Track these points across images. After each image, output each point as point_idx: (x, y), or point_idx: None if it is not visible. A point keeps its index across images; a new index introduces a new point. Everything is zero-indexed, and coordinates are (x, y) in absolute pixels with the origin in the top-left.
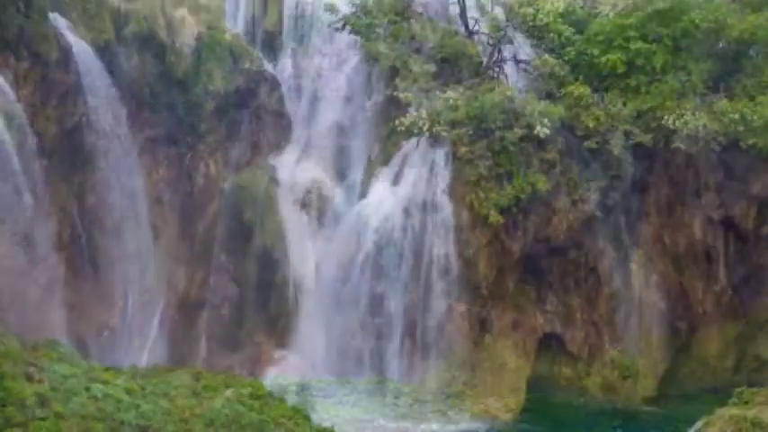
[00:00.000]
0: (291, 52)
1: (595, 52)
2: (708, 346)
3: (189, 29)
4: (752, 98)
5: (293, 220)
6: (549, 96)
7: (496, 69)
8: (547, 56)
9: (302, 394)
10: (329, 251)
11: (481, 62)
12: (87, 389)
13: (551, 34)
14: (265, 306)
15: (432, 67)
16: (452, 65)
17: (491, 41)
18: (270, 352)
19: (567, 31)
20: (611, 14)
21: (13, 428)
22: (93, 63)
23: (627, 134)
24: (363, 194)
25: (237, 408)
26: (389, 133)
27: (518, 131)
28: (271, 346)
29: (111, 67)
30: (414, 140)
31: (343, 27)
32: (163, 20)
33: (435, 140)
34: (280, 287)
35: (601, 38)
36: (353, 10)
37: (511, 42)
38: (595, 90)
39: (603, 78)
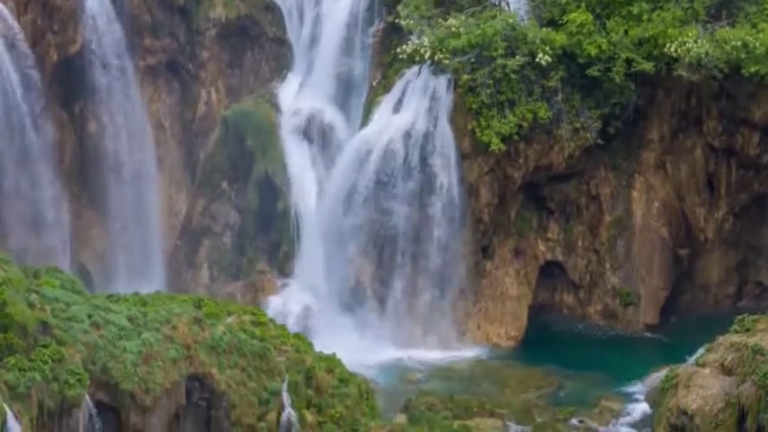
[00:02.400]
0: None
1: None
2: (709, 274)
3: None
4: (754, 25)
5: (295, 148)
6: (551, 24)
7: None
8: None
9: (304, 321)
10: (331, 179)
11: None
12: (89, 316)
13: None
14: (267, 234)
15: None
16: None
17: None
18: (272, 279)
19: None
20: None
21: (14, 355)
22: None
23: (629, 62)
24: (365, 122)
25: (239, 335)
26: (391, 61)
27: (520, 59)
28: (272, 274)
29: None
30: (415, 68)
31: None
32: None
33: (437, 68)
34: (281, 215)
35: None
36: None
37: None
38: (597, 17)
39: (605, 5)
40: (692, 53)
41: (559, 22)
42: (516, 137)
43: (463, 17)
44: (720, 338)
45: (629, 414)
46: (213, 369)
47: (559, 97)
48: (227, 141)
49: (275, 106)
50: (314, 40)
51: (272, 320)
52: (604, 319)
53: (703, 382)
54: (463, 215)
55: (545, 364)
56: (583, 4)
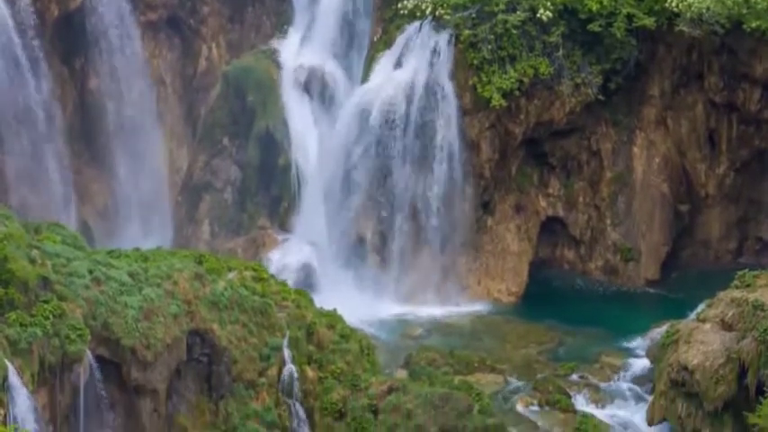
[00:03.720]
0: None
1: None
2: (710, 229)
3: None
4: None
5: (295, 104)
6: None
7: None
8: None
9: (305, 277)
10: (331, 134)
11: None
12: (90, 271)
13: None
14: (268, 189)
15: None
16: None
17: None
18: (273, 235)
19: None
20: None
21: (15, 310)
22: None
23: (630, 17)
24: (365, 78)
25: (240, 290)
26: (392, 17)
27: (521, 14)
28: (273, 230)
29: None
30: (416, 24)
31: None
32: None
33: (438, 24)
34: (282, 170)
35: None
36: None
37: None
38: None
39: None
40: (693, 8)
41: None
42: (517, 92)
43: None
44: (721, 294)
45: (629, 369)
46: (214, 324)
47: (560, 53)
48: (228, 97)
49: (276, 62)
50: None
51: (272, 276)
52: (605, 275)
53: (704, 337)
54: (464, 171)
55: (546, 319)
56: None
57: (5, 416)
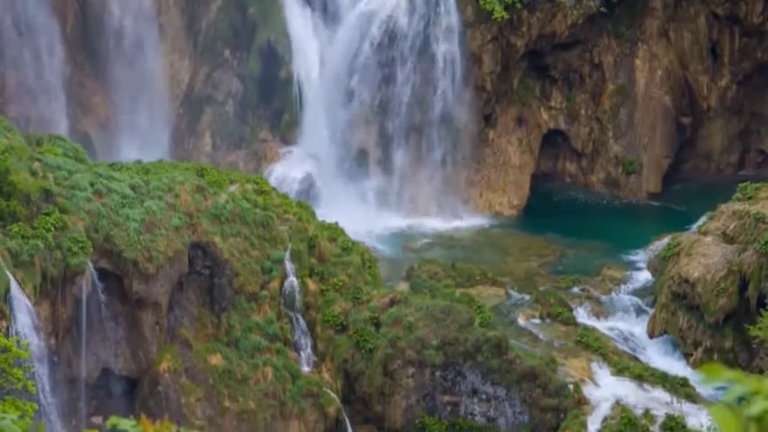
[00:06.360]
0: None
1: None
2: (712, 142)
3: None
4: None
5: (297, 16)
6: None
7: None
8: None
9: (307, 190)
10: (333, 47)
11: None
12: (92, 184)
13: None
14: (269, 102)
15: None
16: None
17: None
18: (274, 148)
19: None
20: None
21: (17, 222)
22: None
23: None
24: None
25: (242, 203)
26: None
27: None
28: (275, 143)
29: None
30: None
31: None
32: None
33: None
34: (284, 83)
35: None
36: None
37: None
38: None
39: None
40: None
41: None
42: (519, 5)
43: None
44: (722, 206)
45: (630, 282)
46: (216, 237)
47: None
48: (229, 9)
49: None
50: None
51: (274, 189)
52: (607, 188)
53: (705, 250)
54: (466, 83)
55: (547, 232)
56: None
57: (8, 328)
